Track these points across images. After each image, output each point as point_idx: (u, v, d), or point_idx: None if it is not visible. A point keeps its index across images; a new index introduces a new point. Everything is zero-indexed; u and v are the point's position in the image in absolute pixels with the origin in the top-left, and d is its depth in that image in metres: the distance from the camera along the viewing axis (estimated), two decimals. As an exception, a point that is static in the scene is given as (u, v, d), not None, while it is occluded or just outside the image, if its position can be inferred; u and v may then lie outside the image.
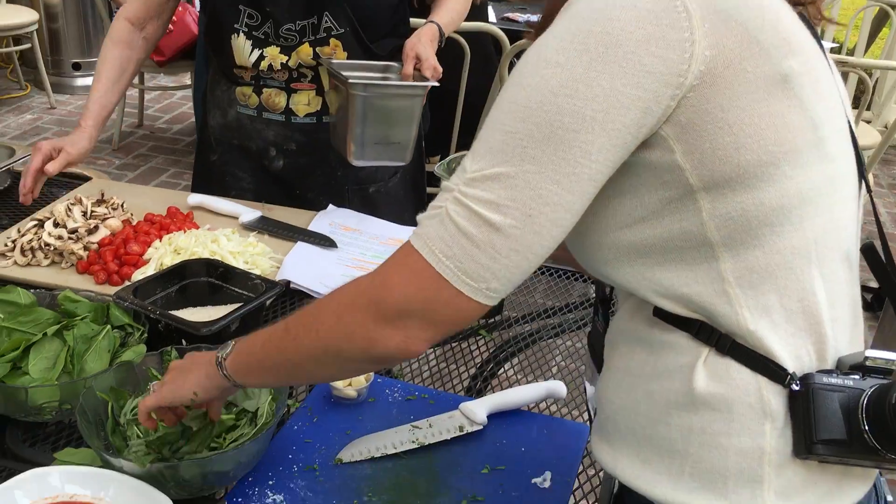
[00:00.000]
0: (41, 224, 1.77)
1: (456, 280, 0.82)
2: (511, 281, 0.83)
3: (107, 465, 1.16)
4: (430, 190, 3.60)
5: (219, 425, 1.26)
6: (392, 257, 0.87)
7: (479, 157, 0.83)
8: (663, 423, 0.90)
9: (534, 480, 1.25)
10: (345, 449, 1.29)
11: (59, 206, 1.80)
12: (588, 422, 1.42)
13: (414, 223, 0.88)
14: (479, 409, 1.35)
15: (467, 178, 0.83)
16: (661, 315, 0.90)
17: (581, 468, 1.30)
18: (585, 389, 1.15)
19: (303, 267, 1.79)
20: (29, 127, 5.15)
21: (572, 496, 1.24)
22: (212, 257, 1.66)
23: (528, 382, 1.48)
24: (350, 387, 1.40)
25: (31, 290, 1.45)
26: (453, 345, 1.62)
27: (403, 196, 2.20)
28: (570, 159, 0.79)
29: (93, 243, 1.74)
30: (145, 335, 1.40)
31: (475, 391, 1.53)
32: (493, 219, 0.80)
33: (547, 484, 1.25)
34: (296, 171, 2.10)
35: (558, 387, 1.42)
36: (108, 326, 1.39)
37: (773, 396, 0.86)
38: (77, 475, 1.14)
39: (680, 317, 0.89)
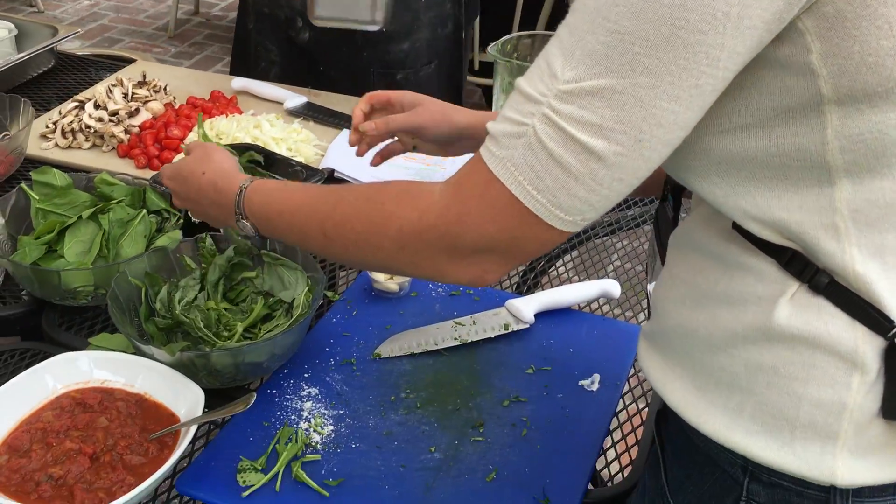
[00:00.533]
0: (82, 106, 1.72)
1: (548, 215, 0.69)
2: (607, 208, 0.71)
3: (139, 352, 1.13)
4: (475, 80, 3.49)
5: (253, 315, 1.22)
6: (466, 181, 0.74)
7: (575, 62, 0.66)
8: (726, 354, 0.78)
9: (581, 383, 1.19)
10: (384, 343, 1.24)
11: (99, 88, 1.74)
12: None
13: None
14: (526, 307, 1.28)
15: (560, 89, 0.66)
16: (745, 234, 0.76)
17: (632, 371, 1.23)
18: (646, 289, 1.05)
19: (349, 155, 1.70)
20: (87, 13, 5.10)
21: (621, 400, 1.18)
22: (254, 143, 1.59)
23: (580, 281, 1.40)
24: (392, 280, 1.34)
25: (68, 173, 1.41)
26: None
27: (437, 88, 2.08)
28: (692, 69, 0.63)
29: (134, 126, 1.69)
30: (181, 221, 1.35)
31: (524, 289, 1.45)
32: (596, 146, 0.66)
33: (595, 387, 1.18)
34: (321, 46, 2.03)
35: (612, 286, 1.33)
36: (144, 211, 1.35)
37: (870, 348, 0.71)
38: (107, 361, 1.11)
39: (769, 243, 0.74)
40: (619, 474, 1.10)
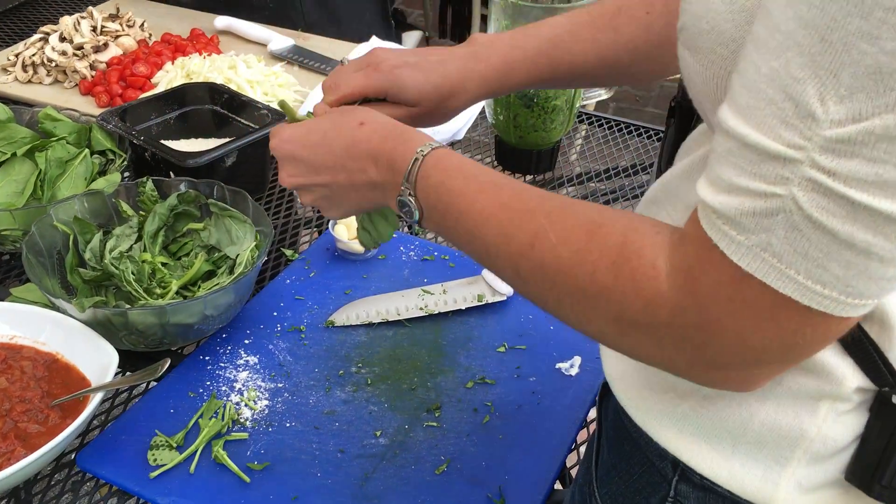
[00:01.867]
0: (47, 39, 1.58)
1: (840, 308, 0.48)
2: None
3: (53, 307, 1.00)
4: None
5: (191, 272, 1.08)
6: (701, 275, 0.51)
7: (846, 92, 0.42)
8: None
9: (558, 365, 1.03)
10: (339, 310, 1.10)
11: (66, 20, 1.60)
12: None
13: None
14: None
15: (827, 135, 0.43)
16: None
17: (620, 356, 1.07)
18: None
19: (331, 103, 1.56)
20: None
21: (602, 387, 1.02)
22: (223, 84, 1.44)
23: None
24: (356, 239, 1.19)
25: (10, 105, 1.28)
26: (491, 202, 1.38)
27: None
28: None
29: (101, 62, 1.55)
30: (125, 163, 1.21)
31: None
32: None
33: (574, 371, 1.03)
34: None
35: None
36: (87, 151, 1.21)
37: (854, 382, 0.57)
38: (16, 314, 0.98)
39: None
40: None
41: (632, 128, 1.60)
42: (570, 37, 0.83)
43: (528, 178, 1.44)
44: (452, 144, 1.53)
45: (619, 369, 0.67)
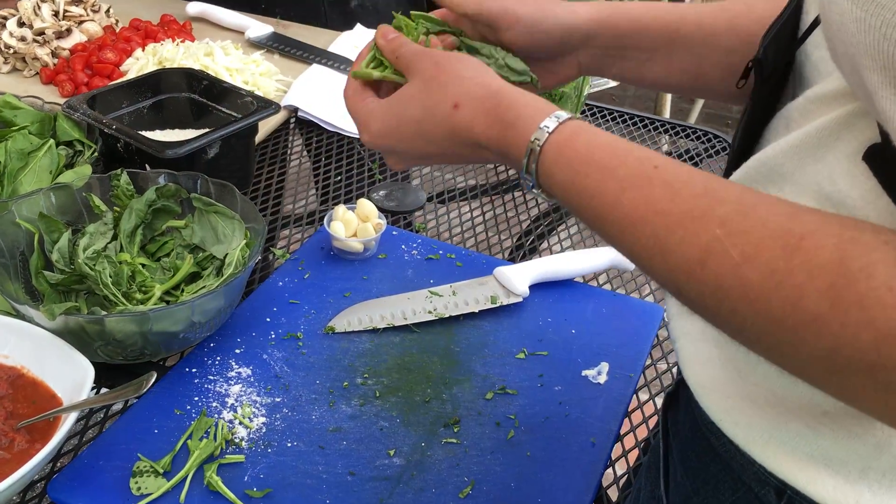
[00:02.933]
0: (4, 23, 1.45)
1: None
2: None
3: (19, 315, 0.88)
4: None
5: (178, 276, 0.97)
6: None
7: None
8: None
9: (585, 373, 0.94)
10: (340, 315, 0.99)
11: (26, 3, 1.47)
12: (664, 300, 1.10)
13: None
14: (519, 277, 1.03)
15: None
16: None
17: (649, 360, 0.98)
18: None
19: (316, 93, 1.45)
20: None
21: (635, 396, 0.93)
22: (200, 70, 1.32)
23: (585, 248, 1.15)
24: (355, 237, 1.08)
25: (-36, 93, 1.15)
26: (493, 197, 1.29)
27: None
28: None
29: (63, 49, 1.43)
30: (95, 154, 1.09)
31: (518, 255, 1.20)
32: None
33: (602, 378, 0.93)
34: None
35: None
36: (51, 141, 1.09)
37: None
38: (-26, 324, 0.86)
39: None
40: (631, 494, 0.85)
41: (636, 119, 1.51)
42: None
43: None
44: (448, 136, 1.43)
45: (708, 376, 0.58)
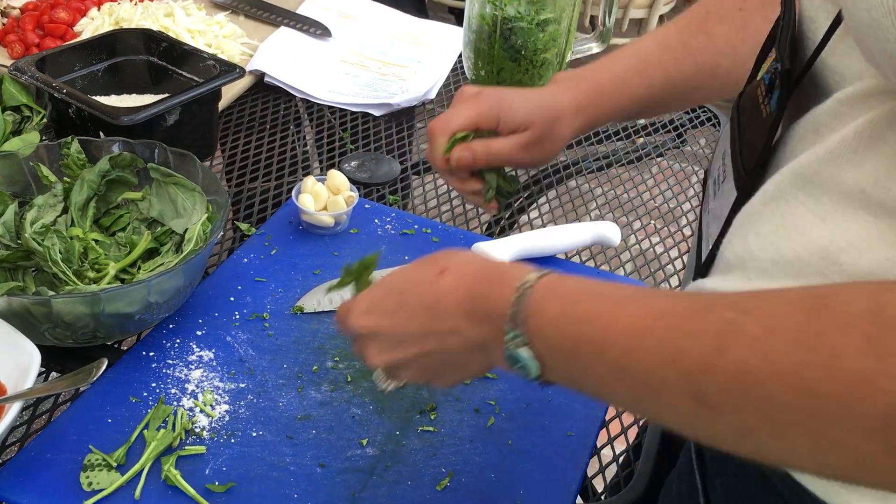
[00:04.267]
0: (-52, -20, 1.36)
1: None
2: None
3: (-42, 293, 0.81)
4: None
5: (135, 253, 0.90)
6: None
7: None
8: None
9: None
10: (308, 294, 0.93)
11: (-29, -42, 1.38)
12: (665, 281, 1.05)
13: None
14: (499, 253, 0.98)
15: None
16: None
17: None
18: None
19: (284, 58, 1.38)
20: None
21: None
22: (160, 31, 1.25)
23: (567, 223, 1.10)
24: (325, 211, 1.02)
25: None
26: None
27: None
28: None
29: (14, 8, 1.34)
30: (44, 121, 1.02)
31: (497, 230, 1.15)
32: None
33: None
34: None
35: (610, 230, 1.03)
36: (-3, 106, 1.01)
37: None
38: None
39: None
40: (618, 482, 0.81)
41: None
42: (659, 49, 0.76)
43: (511, 141, 1.29)
44: (423, 105, 1.37)
45: None
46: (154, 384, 0.81)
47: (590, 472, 0.80)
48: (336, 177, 1.03)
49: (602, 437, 0.84)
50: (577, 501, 0.76)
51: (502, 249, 0.98)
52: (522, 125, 0.77)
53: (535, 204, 1.22)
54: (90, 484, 0.71)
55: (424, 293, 0.57)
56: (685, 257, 1.10)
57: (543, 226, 1.11)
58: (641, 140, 1.32)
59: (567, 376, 0.51)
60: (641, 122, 1.37)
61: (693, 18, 0.76)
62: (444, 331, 0.56)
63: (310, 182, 1.03)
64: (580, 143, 1.30)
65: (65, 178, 0.93)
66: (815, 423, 0.38)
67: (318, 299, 0.92)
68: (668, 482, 0.73)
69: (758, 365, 0.40)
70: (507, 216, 1.20)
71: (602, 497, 0.79)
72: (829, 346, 0.38)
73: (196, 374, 0.83)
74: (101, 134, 1.01)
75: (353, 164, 1.19)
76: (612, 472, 0.81)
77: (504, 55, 1.16)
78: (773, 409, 0.40)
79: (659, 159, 1.30)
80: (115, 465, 0.73)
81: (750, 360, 0.40)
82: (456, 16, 3.30)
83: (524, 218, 1.19)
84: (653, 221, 1.17)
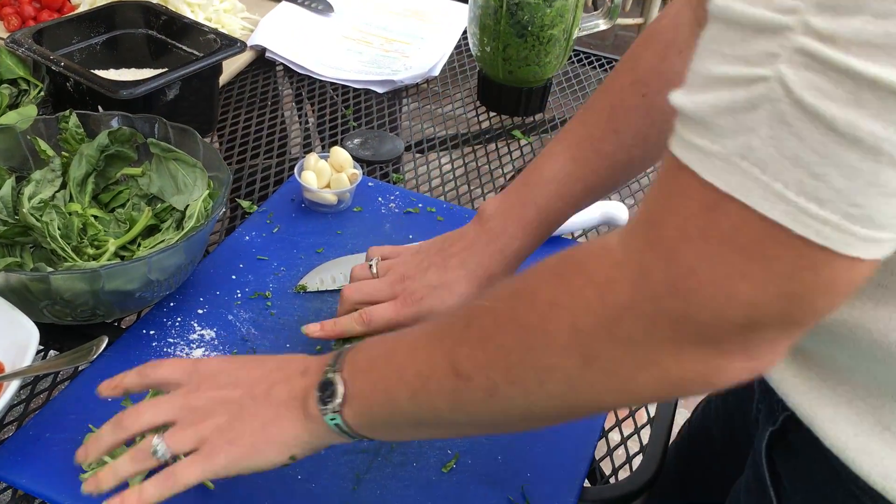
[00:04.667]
0: (-57, -50, 1.33)
1: (844, 241, 0.36)
2: None
3: (-46, 269, 0.79)
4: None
5: (135, 230, 0.88)
6: (666, 214, 0.41)
7: None
8: None
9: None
10: (311, 273, 0.92)
11: (-34, -72, 1.35)
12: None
13: None
14: None
15: None
16: None
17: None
18: None
19: (286, 33, 1.36)
20: None
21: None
22: (158, 3, 1.22)
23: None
24: (328, 188, 1.00)
25: None
26: (476, 147, 1.21)
27: None
28: None
29: (9, -20, 1.31)
30: (42, 94, 0.99)
31: (501, 209, 1.13)
32: None
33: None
34: None
35: (617, 210, 1.01)
36: (-7, 79, 0.99)
37: None
38: None
39: None
40: (626, 466, 0.80)
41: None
42: (575, 165, 0.74)
43: (517, 119, 1.27)
44: (427, 82, 1.34)
45: (823, 413, 0.53)
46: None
47: (597, 455, 0.78)
48: (339, 154, 1.01)
49: (610, 420, 0.82)
50: (584, 484, 0.75)
51: (508, 229, 0.97)
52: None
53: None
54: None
55: (282, 358, 0.64)
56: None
57: (549, 205, 1.09)
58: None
59: (362, 398, 0.57)
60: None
61: (599, 118, 0.73)
62: (278, 378, 0.61)
63: (312, 159, 1.01)
64: (586, 123, 1.28)
65: (63, 153, 0.91)
66: (531, 355, 0.47)
67: (321, 278, 0.91)
68: (734, 494, 0.72)
69: (488, 323, 0.50)
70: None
71: (610, 480, 0.78)
72: (531, 288, 0.48)
73: (197, 353, 0.82)
74: (100, 108, 0.99)
75: (355, 141, 1.17)
76: (620, 454, 0.80)
77: (510, 31, 1.14)
78: (503, 356, 0.49)
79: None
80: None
81: (485, 322, 0.50)
82: None
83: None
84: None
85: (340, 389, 0.57)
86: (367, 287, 0.78)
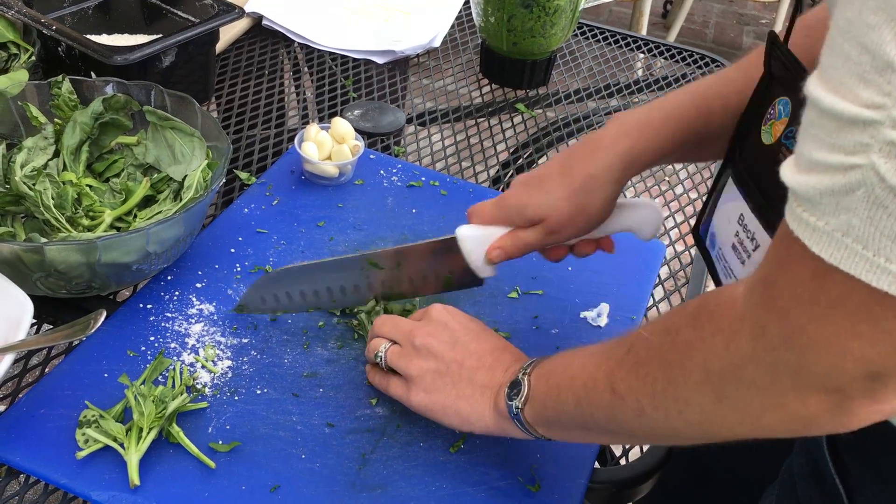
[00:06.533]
0: None
1: None
2: None
3: (-57, 238, 0.76)
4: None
5: (132, 200, 0.85)
6: (780, 277, 0.45)
7: None
8: None
9: (583, 314, 0.86)
10: (251, 289, 0.81)
11: None
12: (674, 242, 1.02)
13: None
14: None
15: None
16: None
17: (650, 301, 0.90)
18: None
19: (284, 0, 1.32)
20: None
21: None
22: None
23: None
24: (329, 160, 0.98)
25: None
26: (479, 120, 1.18)
27: None
28: None
29: (-4, -58, 1.26)
30: (33, 58, 0.96)
31: (504, 184, 1.11)
32: None
33: (602, 321, 0.85)
34: None
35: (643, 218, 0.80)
36: (-18, 42, 0.95)
37: None
38: None
39: None
40: (636, 448, 0.78)
41: (629, 40, 1.41)
42: (718, 80, 0.73)
43: (520, 93, 1.24)
44: (428, 54, 1.31)
45: None
46: (152, 338, 0.77)
47: (607, 436, 0.77)
48: (340, 125, 0.98)
49: (619, 400, 0.81)
50: (594, 466, 0.73)
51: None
52: (535, 220, 0.74)
53: (535, 164, 1.18)
54: (86, 441, 0.68)
55: (500, 341, 0.72)
56: (676, 217, 1.06)
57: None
58: (652, 95, 1.27)
59: (539, 398, 0.63)
60: (651, 77, 1.33)
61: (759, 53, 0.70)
62: (487, 363, 0.68)
63: (313, 130, 0.98)
64: (589, 97, 1.26)
65: (56, 120, 0.88)
66: (672, 387, 0.52)
67: (262, 297, 0.80)
68: (786, 480, 0.70)
69: (642, 353, 0.55)
70: (510, 173, 1.16)
71: (620, 462, 0.76)
72: (675, 328, 0.53)
73: (196, 328, 0.79)
74: (93, 74, 0.95)
75: (355, 112, 1.14)
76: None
77: (515, 1, 1.11)
78: (649, 383, 0.54)
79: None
80: (112, 421, 0.69)
81: (640, 350, 0.56)
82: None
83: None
84: (643, 181, 1.13)
85: (525, 390, 0.64)
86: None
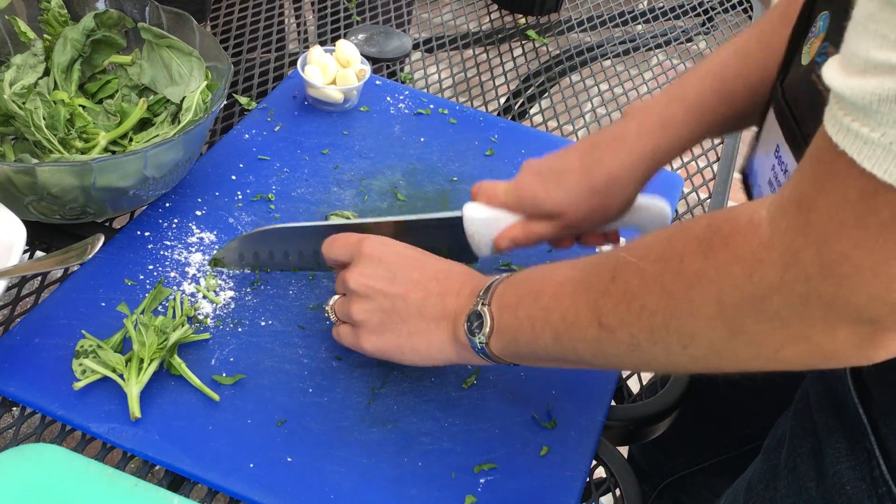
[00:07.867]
0: None
1: None
2: None
3: (-72, 159, 0.72)
4: None
5: (128, 122, 0.81)
6: (819, 197, 0.40)
7: None
8: None
9: (601, 249, 0.83)
10: (230, 244, 0.76)
11: None
12: (692, 175, 0.98)
13: None
14: (492, 230, 0.82)
15: None
16: None
17: (667, 238, 0.87)
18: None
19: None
20: None
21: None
22: None
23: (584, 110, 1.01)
24: (334, 85, 0.93)
25: None
26: (487, 47, 1.13)
27: None
28: None
29: None
30: (20, -29, 0.90)
31: (515, 113, 1.06)
32: None
33: (618, 256, 0.82)
34: None
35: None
36: (-36, -48, 0.89)
37: None
38: None
39: None
40: (654, 384, 0.76)
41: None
42: (738, 59, 0.68)
43: (531, 19, 1.19)
44: (434, -23, 1.25)
45: None
46: (151, 266, 0.74)
47: (624, 374, 0.74)
48: (345, 48, 0.94)
49: (635, 337, 0.78)
50: (611, 403, 0.71)
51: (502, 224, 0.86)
52: (552, 215, 0.70)
53: (546, 92, 1.13)
54: (83, 371, 0.65)
55: (441, 263, 0.65)
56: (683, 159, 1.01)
57: (543, 123, 1.02)
58: (669, 23, 1.22)
59: (508, 332, 0.58)
60: (667, 4, 1.27)
61: (779, 14, 0.67)
62: (434, 290, 0.62)
63: (316, 53, 0.93)
64: (603, 25, 1.20)
65: (45, 36, 0.83)
66: (675, 321, 0.48)
67: (241, 253, 0.75)
68: (801, 406, 0.67)
69: (634, 282, 0.50)
70: (521, 102, 1.12)
71: (637, 399, 0.74)
72: (678, 255, 0.48)
73: (196, 257, 0.76)
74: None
75: (360, 36, 1.09)
76: (647, 373, 0.76)
77: (530, -80, 1.05)
78: (646, 317, 0.49)
79: (682, 45, 1.21)
80: (110, 351, 0.66)
81: (631, 280, 0.50)
82: None
83: (535, 108, 1.10)
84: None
85: (489, 322, 0.59)
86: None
